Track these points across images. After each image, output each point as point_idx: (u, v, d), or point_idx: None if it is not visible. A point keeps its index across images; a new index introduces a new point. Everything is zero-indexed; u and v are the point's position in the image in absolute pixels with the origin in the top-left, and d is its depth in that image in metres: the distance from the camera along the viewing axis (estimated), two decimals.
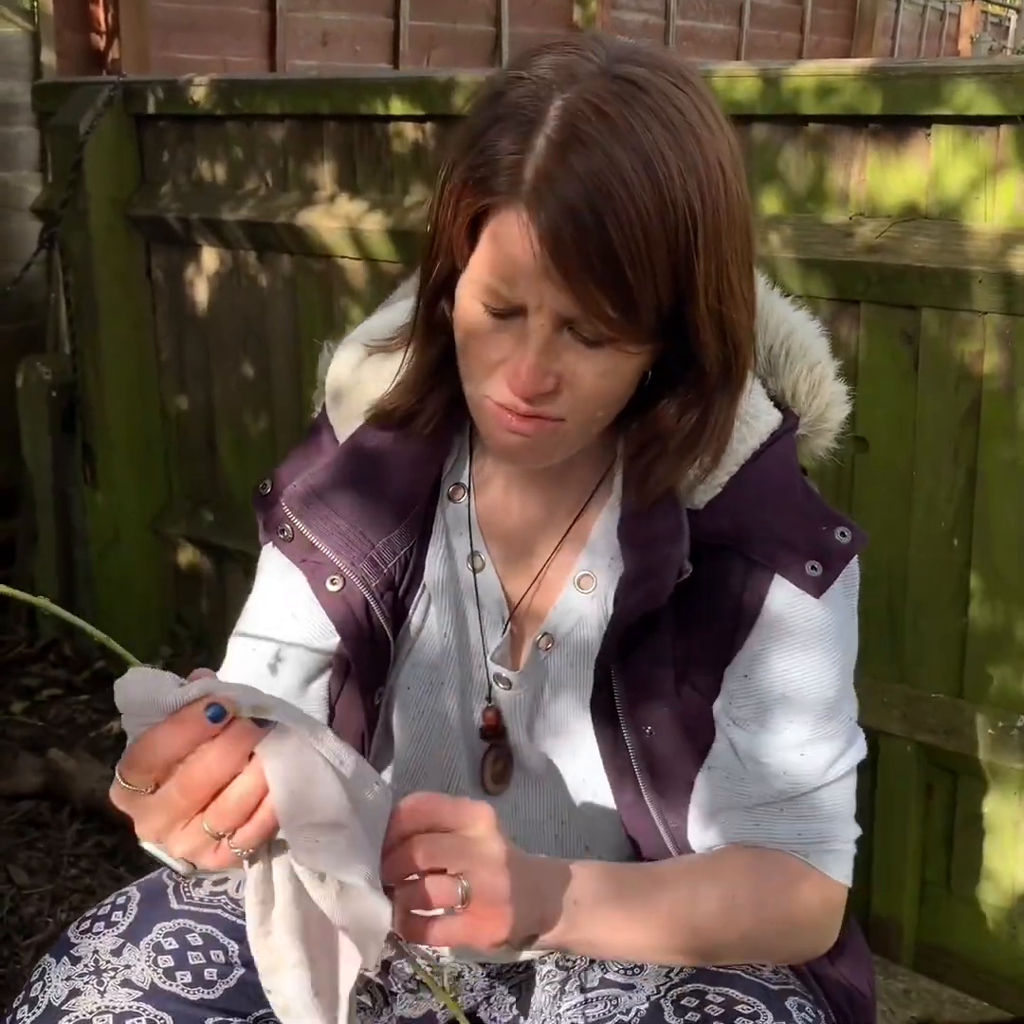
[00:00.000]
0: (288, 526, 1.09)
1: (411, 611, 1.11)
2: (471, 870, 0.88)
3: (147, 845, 0.86)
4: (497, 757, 1.13)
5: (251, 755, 0.81)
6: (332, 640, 1.11)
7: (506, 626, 1.10)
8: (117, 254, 2.72)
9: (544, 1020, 1.13)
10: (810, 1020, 1.01)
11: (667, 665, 1.04)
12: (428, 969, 0.88)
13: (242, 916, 1.11)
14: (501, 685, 1.11)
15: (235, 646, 1.16)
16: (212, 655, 2.85)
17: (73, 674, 2.91)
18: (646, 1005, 1.02)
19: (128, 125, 2.68)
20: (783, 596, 1.03)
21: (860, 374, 1.74)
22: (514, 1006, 1.19)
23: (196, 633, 2.91)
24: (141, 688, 0.80)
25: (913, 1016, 1.71)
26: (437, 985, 0.93)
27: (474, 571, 1.10)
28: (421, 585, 1.10)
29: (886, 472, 1.75)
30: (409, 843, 0.88)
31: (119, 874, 2.17)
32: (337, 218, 2.32)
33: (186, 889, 1.12)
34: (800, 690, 1.04)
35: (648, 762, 1.06)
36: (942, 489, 1.70)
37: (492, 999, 1.21)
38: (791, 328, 1.08)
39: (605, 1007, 1.05)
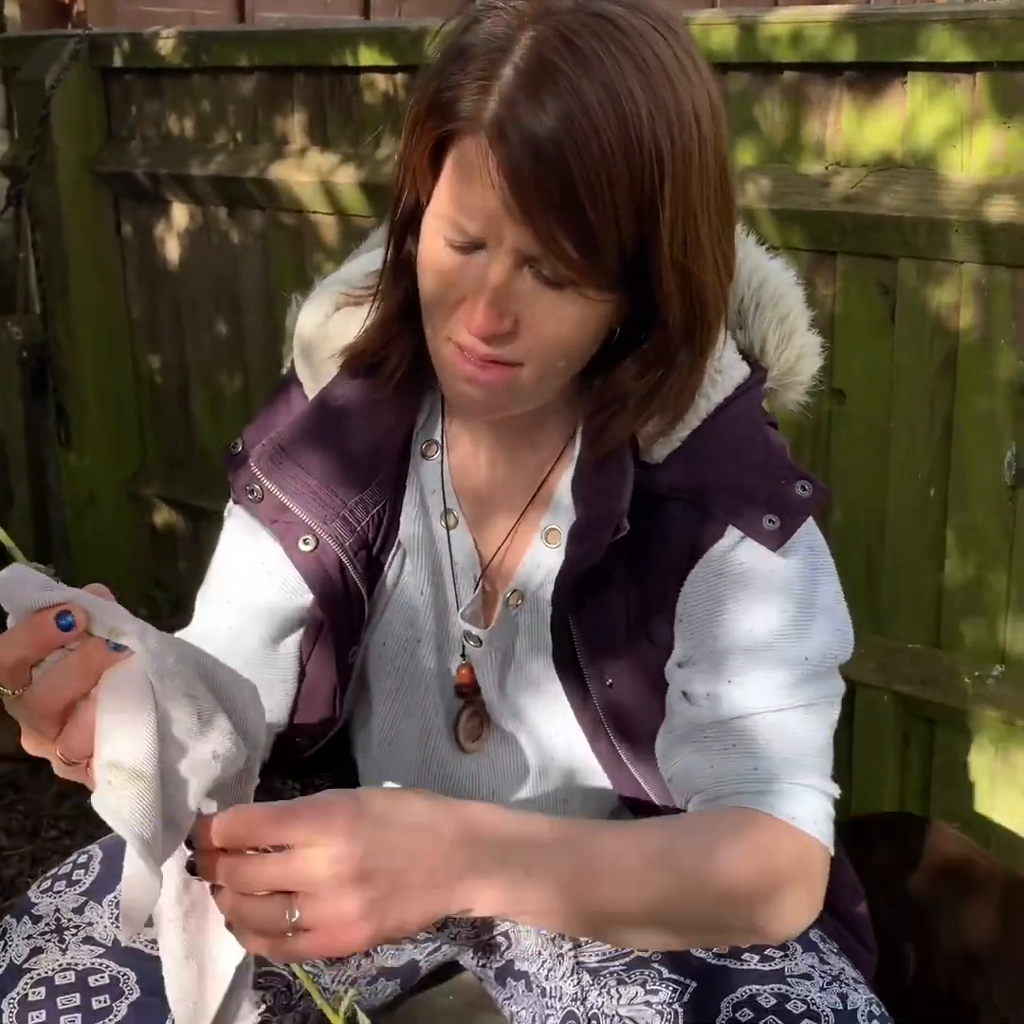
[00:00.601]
0: (257, 486, 1.07)
1: (386, 568, 1.10)
2: (299, 897, 0.80)
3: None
4: (471, 714, 1.13)
5: None
6: (304, 598, 1.10)
7: (477, 584, 1.10)
8: (86, 211, 2.68)
9: (544, 962, 1.12)
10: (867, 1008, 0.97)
11: (620, 618, 1.04)
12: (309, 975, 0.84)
13: None
14: (471, 642, 1.11)
15: (204, 604, 1.15)
16: (190, 616, 2.84)
17: None
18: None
19: (94, 79, 2.64)
20: (737, 548, 1.01)
21: (837, 326, 1.73)
22: (506, 951, 1.19)
23: (174, 595, 2.90)
24: (11, 587, 0.78)
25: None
26: (321, 996, 0.84)
27: (447, 528, 1.10)
28: (396, 542, 1.10)
29: (863, 424, 1.75)
30: (217, 862, 0.81)
31: (98, 835, 2.16)
32: (308, 172, 2.29)
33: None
34: (755, 632, 1.01)
35: (615, 715, 1.06)
36: (918, 441, 1.70)
37: (480, 947, 1.22)
38: (764, 277, 1.06)
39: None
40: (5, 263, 2.98)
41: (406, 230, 0.98)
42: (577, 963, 1.08)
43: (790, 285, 1.08)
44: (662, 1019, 0.97)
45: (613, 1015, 1.01)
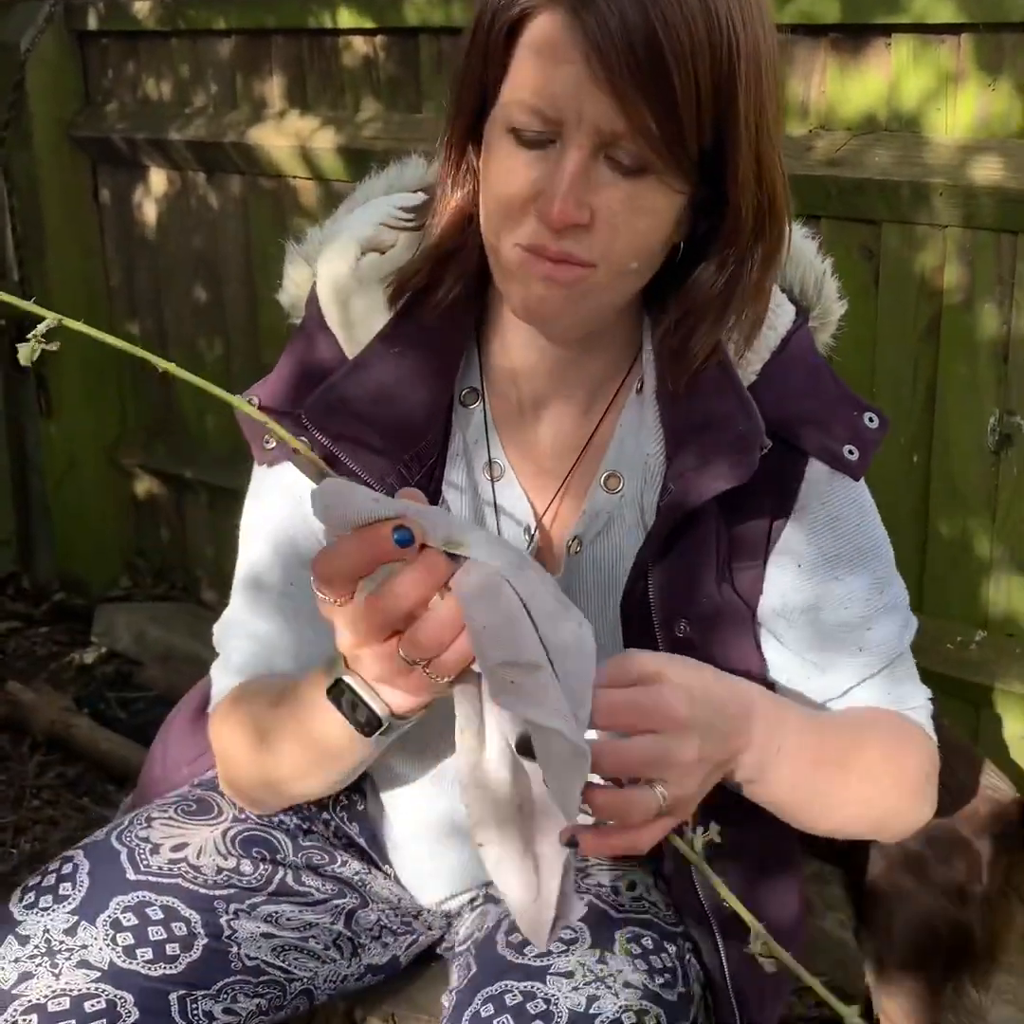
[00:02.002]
0: (306, 441, 1.00)
1: None
2: (669, 781, 0.84)
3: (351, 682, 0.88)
4: None
5: (447, 587, 0.79)
6: None
7: (532, 536, 1.07)
8: (63, 177, 2.65)
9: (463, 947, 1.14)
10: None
11: (710, 560, 1.03)
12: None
13: (203, 884, 1.07)
14: None
15: (248, 582, 1.11)
16: (174, 585, 2.84)
17: (32, 607, 2.89)
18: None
19: (70, 43, 2.61)
20: (825, 481, 1.03)
21: None
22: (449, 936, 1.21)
23: (156, 564, 2.89)
24: (335, 499, 0.78)
25: None
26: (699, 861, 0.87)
27: (492, 480, 1.06)
28: (442, 499, 1.06)
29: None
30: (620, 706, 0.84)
31: (82, 804, 2.17)
32: (287, 136, 2.26)
33: (141, 856, 1.07)
34: (856, 570, 1.05)
35: None
36: (902, 405, 1.70)
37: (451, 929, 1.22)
38: (786, 229, 1.07)
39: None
40: None
41: (467, 137, 0.95)
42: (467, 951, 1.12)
43: (805, 236, 1.10)
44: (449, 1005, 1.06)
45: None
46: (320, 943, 1.14)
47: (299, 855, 1.15)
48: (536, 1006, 0.97)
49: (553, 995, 0.98)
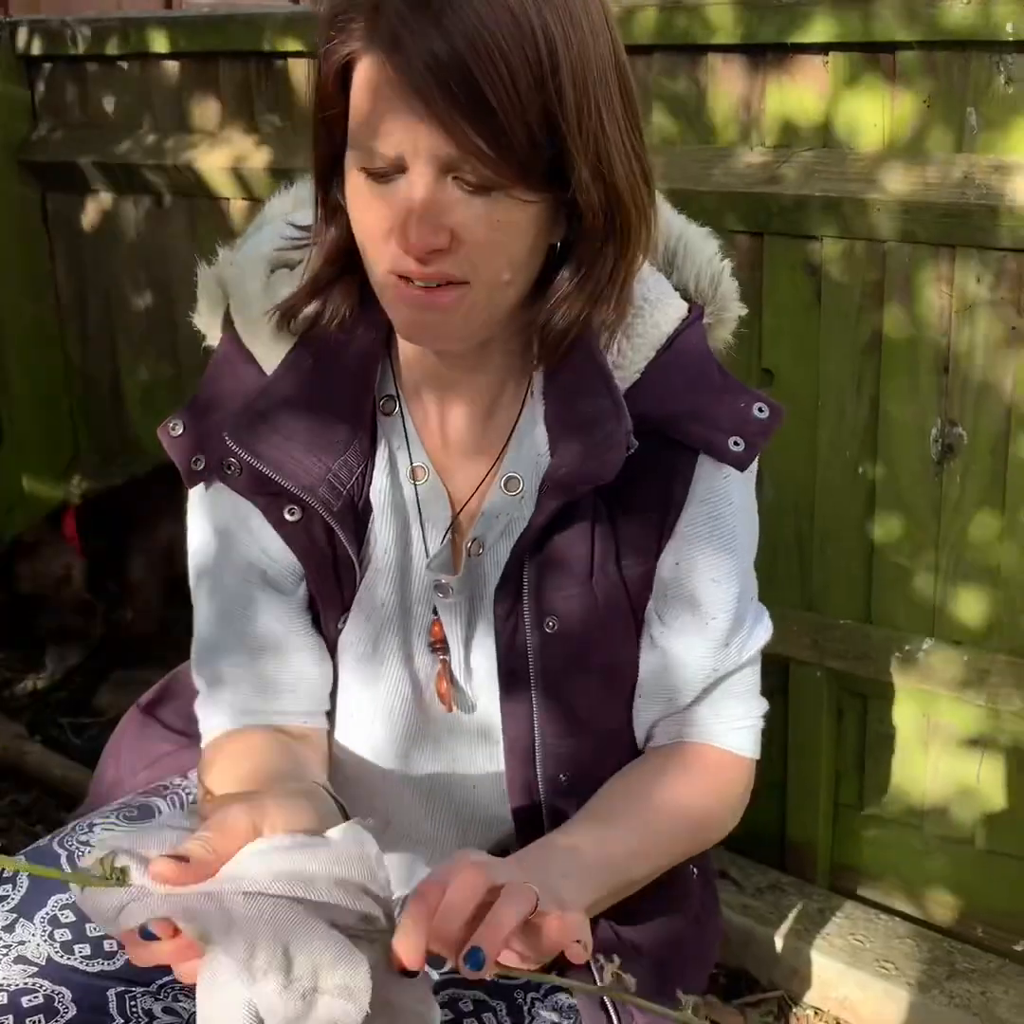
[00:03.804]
0: (233, 460, 1.04)
1: (367, 532, 1.08)
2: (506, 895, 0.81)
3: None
4: (442, 672, 1.12)
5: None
6: (298, 573, 1.09)
7: (446, 534, 1.09)
8: (11, 201, 2.64)
9: None
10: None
11: (585, 554, 1.04)
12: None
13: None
14: (440, 594, 1.10)
15: (211, 596, 1.11)
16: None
17: None
18: None
19: (17, 67, 2.59)
20: (709, 475, 1.05)
21: (764, 306, 1.74)
22: None
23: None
24: (91, 905, 0.77)
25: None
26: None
27: (415, 483, 1.08)
28: (372, 503, 1.08)
29: (791, 403, 1.75)
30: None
31: (35, 832, 2.14)
32: (236, 158, 2.26)
33: (81, 858, 1.08)
34: (724, 573, 1.07)
35: (544, 662, 1.06)
36: (846, 419, 1.72)
37: None
38: (683, 228, 1.11)
39: None
40: None
41: (329, 176, 0.98)
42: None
43: (704, 237, 1.12)
44: None
45: None
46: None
47: None
48: None
49: None
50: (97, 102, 2.52)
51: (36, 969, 1.00)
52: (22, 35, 2.56)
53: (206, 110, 2.34)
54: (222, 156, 2.29)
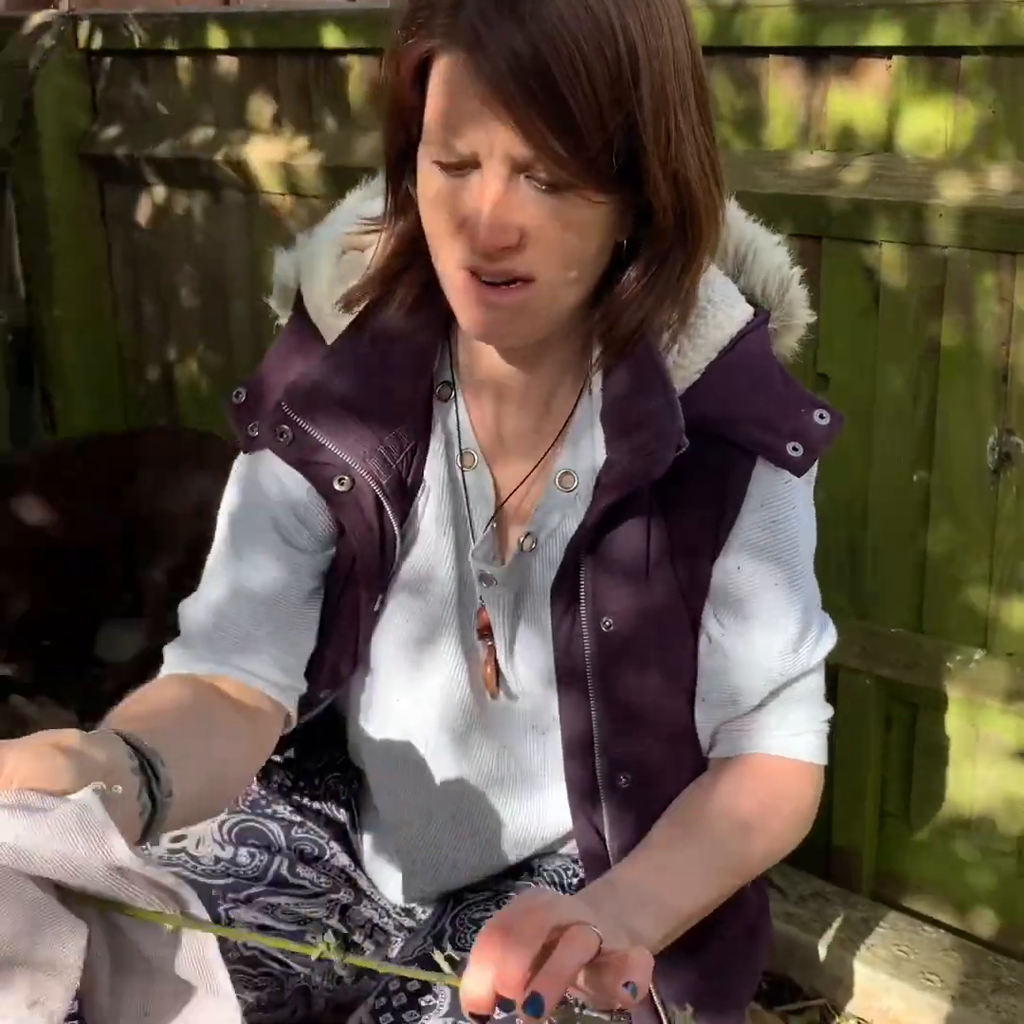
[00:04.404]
0: (287, 427, 1.05)
1: (413, 512, 1.09)
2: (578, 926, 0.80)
3: None
4: (488, 658, 1.12)
5: None
6: (332, 544, 1.10)
7: (489, 524, 1.09)
8: (70, 194, 2.67)
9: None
10: None
11: (640, 553, 1.04)
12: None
13: (202, 873, 1.12)
14: (484, 584, 1.10)
15: (226, 552, 1.11)
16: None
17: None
18: None
19: (78, 61, 2.63)
20: (767, 479, 1.04)
21: (821, 311, 1.72)
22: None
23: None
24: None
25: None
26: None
27: (463, 469, 1.09)
28: (423, 485, 1.09)
29: (847, 408, 1.71)
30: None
31: None
32: (292, 154, 2.28)
33: (145, 849, 1.10)
34: (787, 578, 1.06)
35: (601, 662, 1.06)
36: (902, 425, 1.70)
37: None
38: (754, 234, 1.11)
39: None
40: None
41: (401, 168, 0.98)
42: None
43: (777, 244, 1.11)
44: None
45: None
46: (316, 938, 1.15)
47: (292, 847, 1.17)
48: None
49: None
50: (156, 97, 2.54)
51: None
52: (83, 30, 2.59)
53: (263, 106, 2.36)
54: (278, 152, 2.30)
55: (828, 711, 1.13)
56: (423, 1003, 1.04)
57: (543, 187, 0.90)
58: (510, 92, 0.85)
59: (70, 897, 0.72)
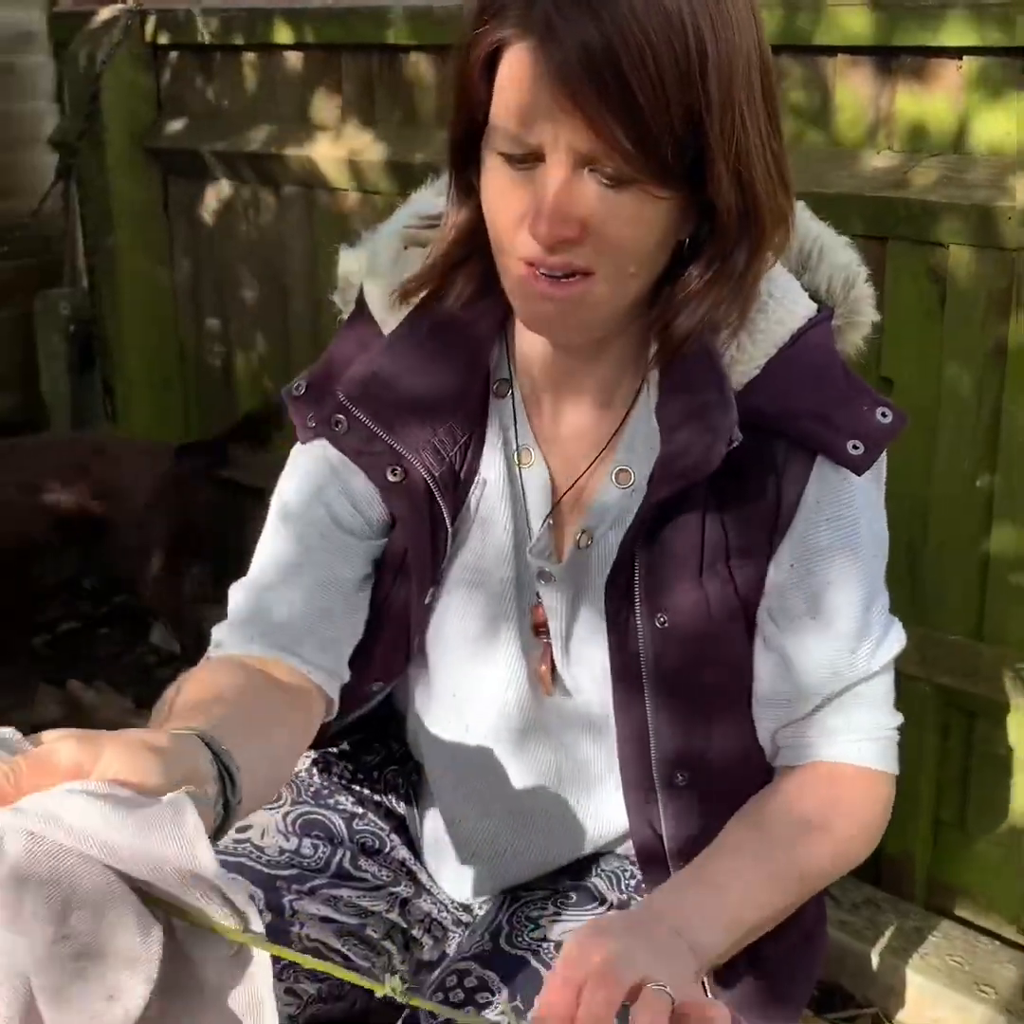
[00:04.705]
0: (342, 417, 1.06)
1: (468, 504, 1.09)
2: (648, 976, 0.81)
3: None
4: (544, 655, 1.12)
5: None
6: (384, 536, 1.10)
7: (545, 520, 1.09)
8: (134, 187, 2.70)
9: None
10: None
11: (695, 549, 1.03)
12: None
13: (267, 864, 1.12)
14: (542, 580, 1.10)
15: (276, 539, 1.11)
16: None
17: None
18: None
19: (145, 55, 2.65)
20: (826, 477, 1.03)
21: (886, 313, 1.70)
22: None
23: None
24: None
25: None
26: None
27: (520, 466, 1.09)
28: (477, 479, 1.09)
29: (910, 412, 1.70)
30: None
31: None
32: (354, 150, 2.29)
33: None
34: (845, 577, 1.04)
35: (655, 658, 1.05)
36: (966, 429, 1.68)
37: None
38: (820, 231, 1.10)
39: None
40: (54, 238, 3.01)
41: (465, 160, 0.98)
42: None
43: (842, 245, 1.10)
44: None
45: None
46: (377, 932, 1.16)
47: (354, 839, 1.18)
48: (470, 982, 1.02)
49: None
50: (221, 91, 2.56)
51: None
52: (150, 24, 2.61)
53: (327, 102, 2.37)
54: (341, 148, 2.31)
55: (897, 718, 1.10)
56: (479, 1000, 1.04)
57: (607, 181, 0.90)
58: (579, 84, 0.85)
59: (143, 897, 0.71)
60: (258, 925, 0.72)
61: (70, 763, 0.70)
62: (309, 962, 0.75)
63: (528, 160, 0.91)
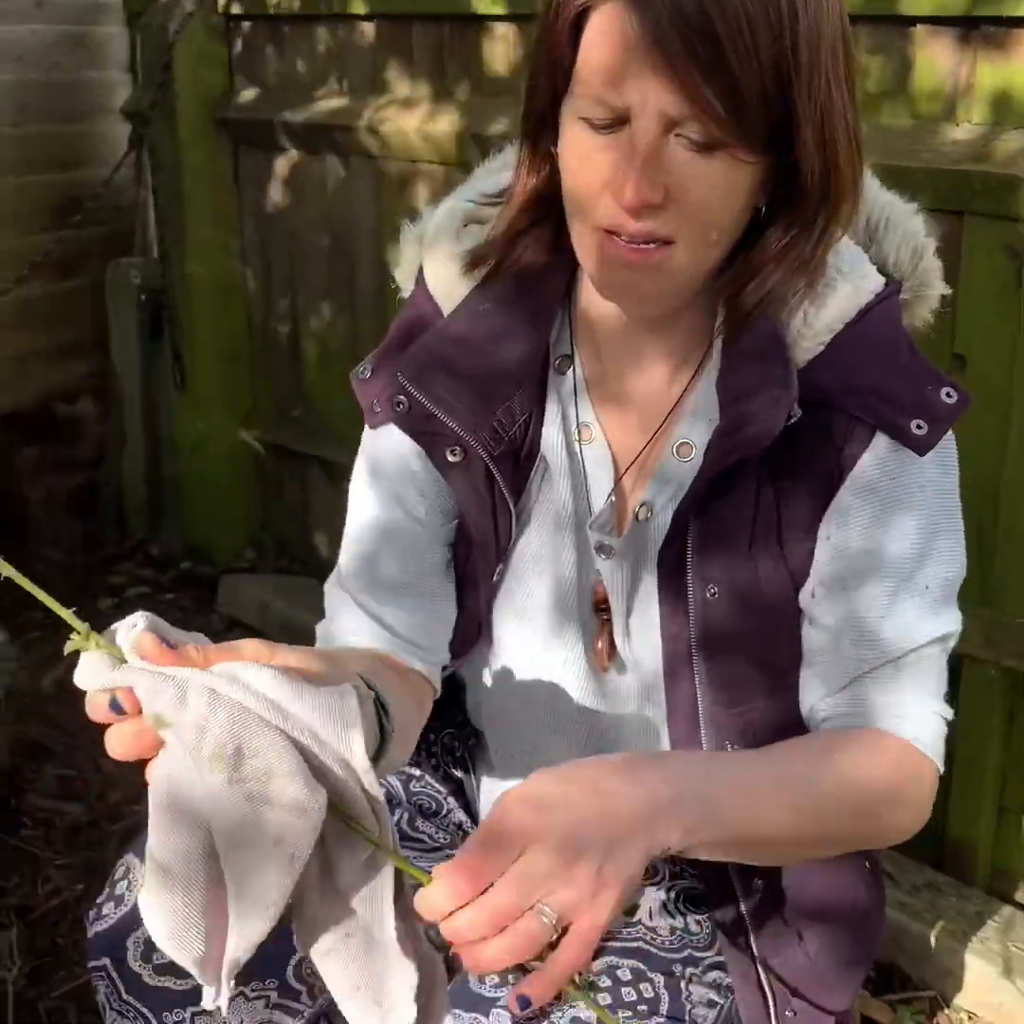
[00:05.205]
0: (403, 397, 1.06)
1: (529, 484, 1.09)
2: (539, 904, 0.77)
3: None
4: (602, 632, 1.12)
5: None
6: (453, 517, 1.11)
7: (609, 495, 1.09)
8: (205, 157, 2.72)
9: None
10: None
11: (748, 522, 1.02)
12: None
13: None
14: (602, 555, 1.10)
15: (360, 530, 1.13)
16: (295, 559, 2.90)
17: (160, 574, 2.98)
18: None
19: (217, 25, 2.66)
20: (882, 454, 1.01)
21: (959, 289, 1.68)
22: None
23: (278, 537, 2.95)
24: (84, 675, 0.75)
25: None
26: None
27: (581, 442, 1.09)
28: (538, 457, 1.09)
29: (982, 391, 1.70)
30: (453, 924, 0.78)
31: None
32: (425, 121, 2.28)
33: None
34: (887, 549, 1.02)
35: (704, 629, 1.05)
36: None
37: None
38: (888, 201, 1.09)
39: None
40: (125, 207, 3.04)
41: (541, 124, 0.98)
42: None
43: (912, 213, 1.09)
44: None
45: None
46: None
47: (411, 800, 1.19)
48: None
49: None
50: (292, 62, 2.57)
51: None
52: None
53: (398, 73, 2.37)
54: (411, 119, 2.31)
55: (945, 707, 1.06)
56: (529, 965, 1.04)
57: (694, 146, 0.89)
58: (671, 45, 0.84)
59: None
60: (387, 838, 0.77)
61: (253, 653, 0.78)
62: (426, 879, 0.78)
63: (613, 125, 0.90)
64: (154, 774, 0.74)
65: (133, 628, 0.76)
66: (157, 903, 0.74)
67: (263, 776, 0.73)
